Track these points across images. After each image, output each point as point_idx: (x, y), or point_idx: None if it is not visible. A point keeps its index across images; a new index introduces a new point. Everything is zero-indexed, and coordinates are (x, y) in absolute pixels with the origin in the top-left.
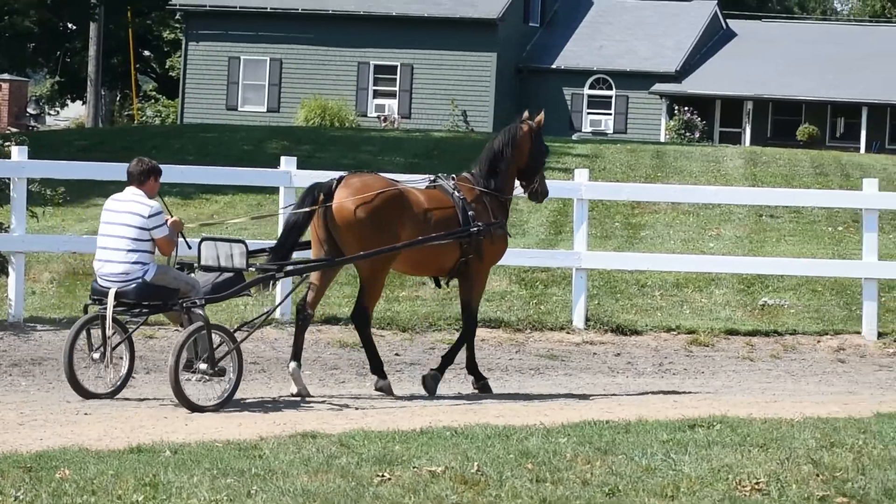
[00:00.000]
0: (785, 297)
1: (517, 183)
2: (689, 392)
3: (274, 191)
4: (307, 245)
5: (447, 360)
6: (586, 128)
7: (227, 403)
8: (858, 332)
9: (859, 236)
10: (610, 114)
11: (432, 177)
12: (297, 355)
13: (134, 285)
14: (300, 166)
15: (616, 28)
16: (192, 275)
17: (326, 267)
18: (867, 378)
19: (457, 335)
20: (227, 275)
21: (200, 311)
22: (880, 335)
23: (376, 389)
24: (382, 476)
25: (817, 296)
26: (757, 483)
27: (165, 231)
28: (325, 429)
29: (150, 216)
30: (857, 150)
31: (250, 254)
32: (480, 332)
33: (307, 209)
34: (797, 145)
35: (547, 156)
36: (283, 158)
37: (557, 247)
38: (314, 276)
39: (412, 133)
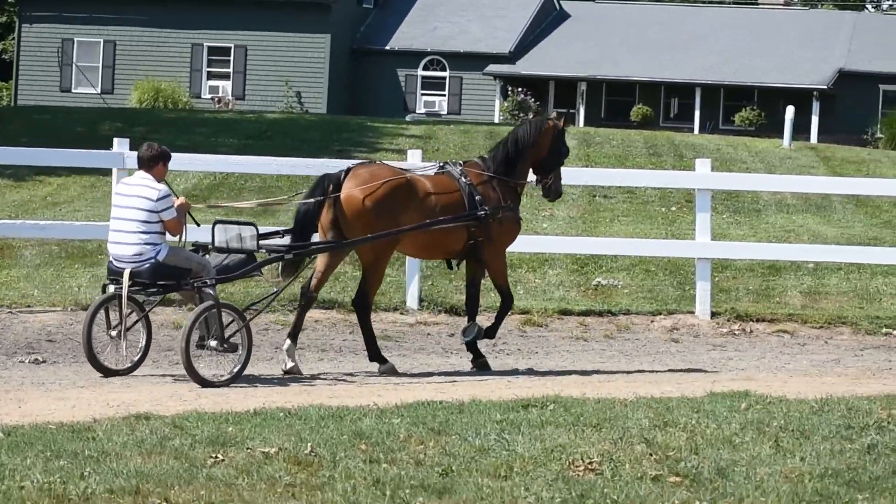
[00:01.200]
0: (618, 277)
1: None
2: (525, 372)
3: (107, 172)
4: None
5: (490, 333)
6: (420, 109)
7: (237, 379)
8: (692, 312)
9: (692, 216)
10: (444, 95)
11: (440, 163)
12: (293, 334)
13: (147, 265)
14: (133, 148)
15: (450, 9)
16: (206, 256)
17: (334, 249)
18: (700, 357)
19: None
20: (238, 256)
21: (211, 291)
22: (713, 315)
23: (380, 374)
24: (216, 457)
25: (651, 276)
26: (590, 463)
27: (174, 213)
28: (159, 410)
29: (158, 199)
30: (691, 130)
31: (261, 236)
32: (314, 314)
33: (318, 199)
34: (631, 126)
35: (566, 156)
36: (115, 140)
37: None
38: (318, 262)
39: (246, 115)
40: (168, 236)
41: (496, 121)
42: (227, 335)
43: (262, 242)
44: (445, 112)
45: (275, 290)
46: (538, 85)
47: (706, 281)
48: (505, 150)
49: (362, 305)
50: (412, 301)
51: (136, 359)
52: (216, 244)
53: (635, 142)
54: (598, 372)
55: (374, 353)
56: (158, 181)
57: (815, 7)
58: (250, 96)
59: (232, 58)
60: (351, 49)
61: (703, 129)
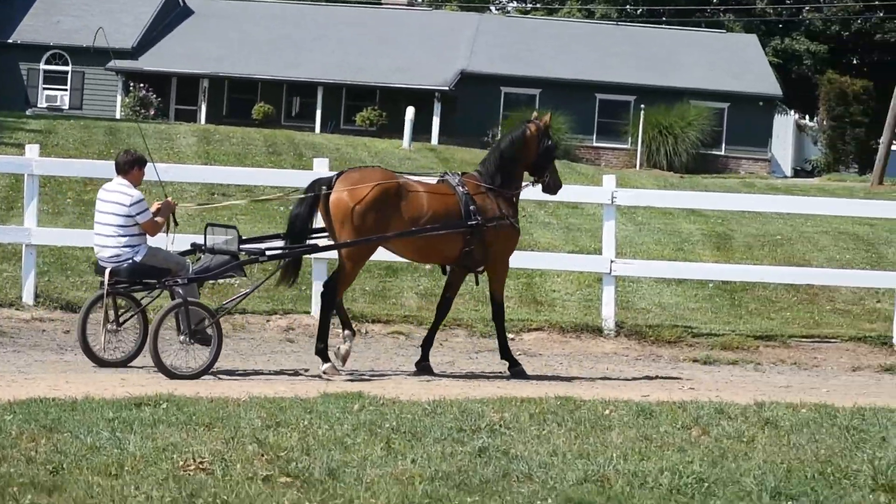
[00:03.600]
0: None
1: (529, 178)
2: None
3: None
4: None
5: (502, 348)
6: (42, 103)
7: (206, 373)
8: (307, 312)
9: None
10: (66, 89)
11: (441, 173)
12: (344, 325)
13: (126, 265)
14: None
15: (74, 3)
16: (202, 256)
17: (306, 254)
18: (315, 357)
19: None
20: (222, 258)
21: (181, 290)
22: None
23: (321, 372)
24: None
25: (267, 275)
26: (202, 462)
27: (149, 216)
28: None
29: (131, 205)
30: (313, 129)
31: (253, 240)
32: None
33: (308, 199)
34: (253, 124)
35: (555, 152)
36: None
37: (9, 223)
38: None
39: None
40: (150, 238)
41: (118, 116)
42: (197, 330)
43: (246, 247)
44: (67, 107)
45: (245, 290)
46: (161, 81)
47: (322, 280)
48: (495, 164)
49: (327, 296)
50: (28, 297)
51: (129, 351)
52: (206, 245)
53: (256, 140)
54: (215, 371)
55: (321, 348)
56: (135, 185)
57: (440, 8)
58: None
59: None
60: None
61: (324, 129)
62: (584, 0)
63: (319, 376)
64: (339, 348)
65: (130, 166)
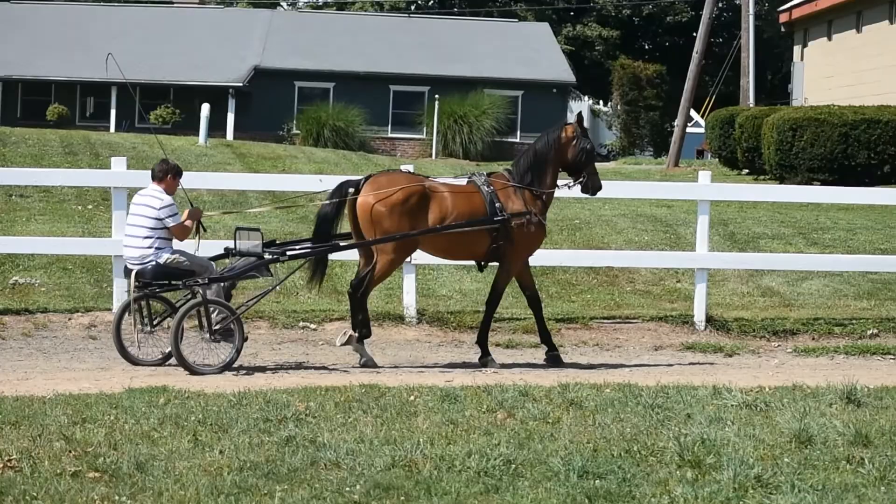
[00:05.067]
0: (36, 275)
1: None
2: None
3: None
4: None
5: (545, 338)
6: None
7: (229, 368)
8: (109, 309)
9: (109, 213)
10: None
11: (469, 174)
12: (354, 326)
13: (149, 267)
14: None
15: None
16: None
17: (328, 253)
18: (117, 354)
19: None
20: (248, 259)
21: (201, 290)
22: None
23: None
24: None
25: (68, 274)
26: (10, 460)
27: (179, 220)
28: None
29: (160, 208)
30: (108, 128)
31: (269, 244)
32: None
33: (335, 202)
34: (48, 125)
35: (594, 153)
36: None
37: None
38: (361, 262)
39: None
40: (176, 242)
41: None
42: (219, 328)
43: (272, 249)
44: None
45: (267, 289)
46: None
47: (122, 278)
48: (526, 161)
49: (358, 289)
50: None
51: (166, 351)
52: (236, 248)
53: (51, 141)
54: (15, 370)
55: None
56: (169, 193)
57: (231, 5)
58: None
59: None
60: None
61: (119, 128)
62: None
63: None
64: (336, 339)
65: (165, 174)
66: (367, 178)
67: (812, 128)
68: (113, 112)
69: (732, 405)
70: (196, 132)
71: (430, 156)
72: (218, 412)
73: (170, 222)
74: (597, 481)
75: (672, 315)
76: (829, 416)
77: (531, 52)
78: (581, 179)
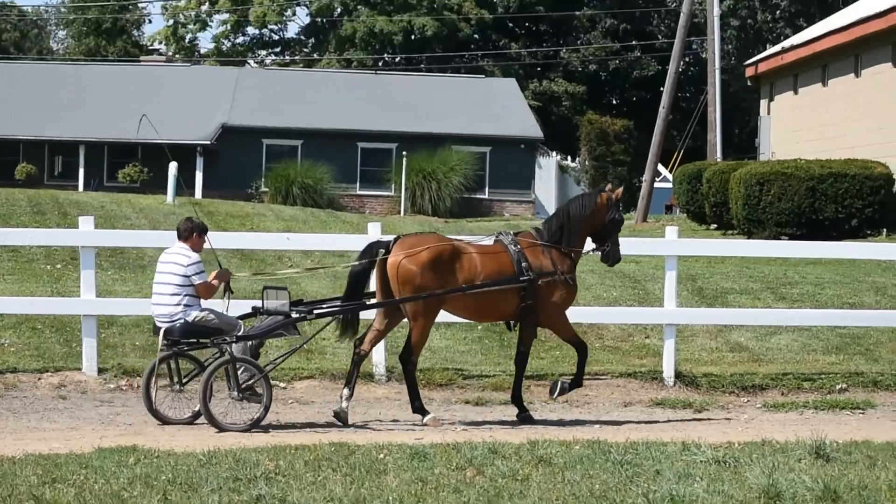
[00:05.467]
0: (5, 335)
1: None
2: None
3: None
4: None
5: (515, 395)
6: None
7: (257, 426)
8: (79, 369)
9: (78, 273)
10: None
11: (496, 234)
12: (348, 383)
13: (178, 325)
14: None
15: None
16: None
17: (354, 311)
18: (88, 413)
19: None
20: (277, 318)
21: (229, 348)
22: (101, 371)
23: (423, 424)
24: None
25: (37, 333)
26: None
27: (204, 278)
28: None
29: (188, 265)
30: (76, 187)
31: (297, 303)
32: None
33: (365, 262)
34: (16, 184)
35: (620, 224)
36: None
37: None
38: (376, 321)
39: None
40: (204, 300)
41: None
42: (247, 386)
43: (300, 308)
44: None
45: (293, 347)
46: None
47: (92, 337)
48: (559, 222)
49: (407, 360)
50: None
51: (195, 409)
52: (263, 307)
53: (19, 200)
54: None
55: (418, 405)
56: (195, 251)
57: (198, 63)
58: None
59: None
60: None
61: (87, 187)
62: (342, 50)
63: (424, 425)
64: (340, 408)
65: (190, 233)
66: (396, 239)
67: (779, 182)
68: (81, 171)
69: (701, 461)
70: (164, 190)
71: (399, 212)
72: (188, 471)
73: (196, 280)
74: None
75: (641, 371)
76: (798, 472)
77: (498, 108)
78: (605, 248)
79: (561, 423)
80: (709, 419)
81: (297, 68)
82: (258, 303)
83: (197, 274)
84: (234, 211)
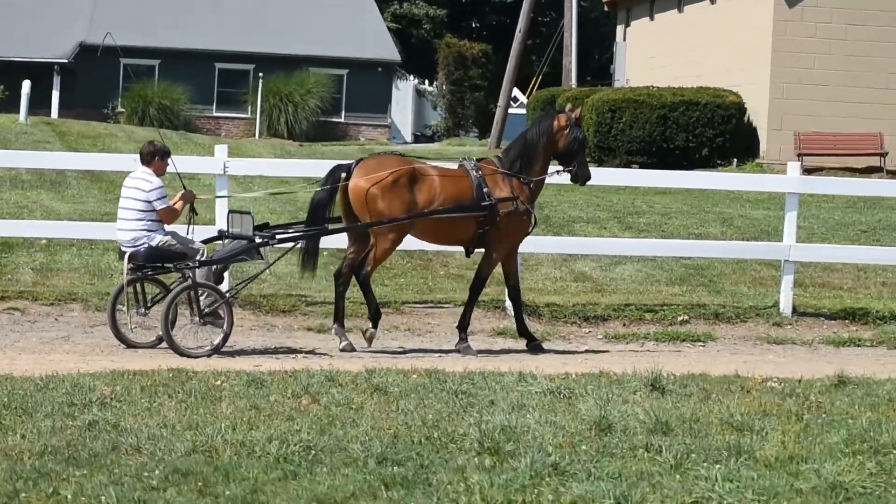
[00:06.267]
0: None
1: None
2: None
3: None
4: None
5: (462, 323)
6: None
7: (217, 351)
8: None
9: None
10: None
11: (460, 159)
12: (337, 316)
13: (142, 249)
14: None
15: None
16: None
17: (316, 236)
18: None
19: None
20: (240, 242)
21: (190, 273)
22: None
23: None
24: None
25: None
26: None
27: (166, 203)
28: None
29: (149, 191)
30: None
31: (262, 227)
32: None
33: (328, 188)
34: None
35: (585, 144)
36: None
37: None
38: (349, 246)
39: None
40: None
41: None
42: (209, 311)
43: (262, 233)
44: None
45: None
46: None
47: None
48: (517, 149)
49: (358, 274)
50: None
51: (161, 333)
52: (229, 231)
53: None
54: None
55: (338, 316)
56: (158, 175)
57: None
58: None
59: None
60: None
61: None
62: None
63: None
64: (341, 339)
65: (152, 157)
66: (357, 162)
67: (631, 109)
68: None
69: (537, 392)
70: (19, 110)
71: (255, 135)
72: (24, 396)
73: (158, 205)
74: (395, 468)
75: (484, 300)
76: (632, 404)
77: (357, 30)
78: (571, 168)
79: (402, 351)
80: (549, 350)
81: None
82: (224, 227)
83: (159, 199)
84: (87, 131)
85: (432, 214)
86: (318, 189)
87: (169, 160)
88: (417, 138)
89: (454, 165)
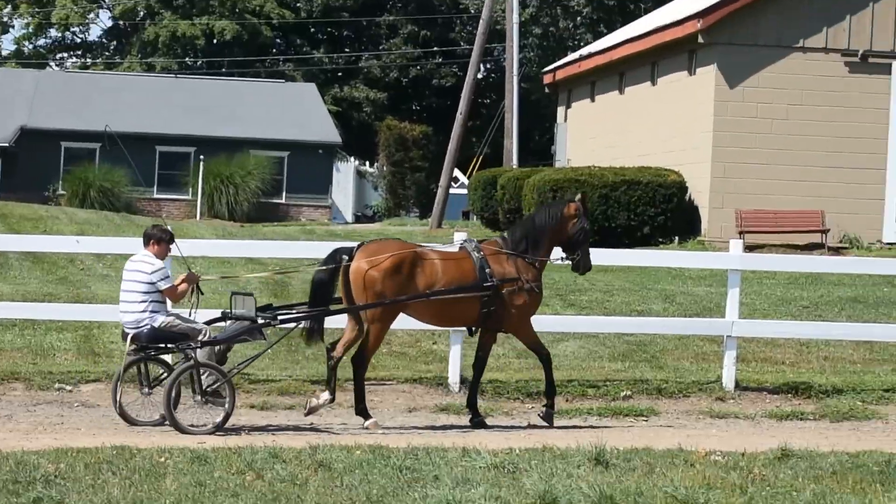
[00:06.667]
0: None
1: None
2: None
3: None
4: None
5: (548, 393)
6: None
7: (220, 429)
8: None
9: None
10: None
11: (461, 241)
12: (328, 385)
13: (145, 330)
14: None
15: None
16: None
17: (318, 317)
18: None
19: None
20: (243, 323)
21: (193, 353)
22: None
23: (364, 427)
24: None
25: None
26: None
27: (170, 283)
28: None
29: (151, 272)
30: None
31: (264, 308)
32: None
33: (329, 268)
34: None
35: (589, 234)
36: None
37: None
38: (347, 326)
39: None
40: (172, 306)
41: None
42: (211, 390)
43: (265, 314)
44: None
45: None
46: None
47: None
48: (524, 230)
49: (358, 363)
50: None
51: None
52: (232, 313)
53: None
54: None
55: (361, 408)
56: (160, 258)
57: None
58: None
59: None
60: None
61: None
62: (144, 54)
63: (365, 428)
64: (310, 400)
65: (152, 240)
66: (359, 246)
67: (573, 189)
68: None
69: (481, 466)
70: None
71: (195, 217)
72: None
73: (162, 285)
74: None
75: (427, 377)
76: (577, 478)
77: (298, 113)
78: (575, 257)
79: (345, 428)
80: (492, 426)
81: (98, 70)
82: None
83: (162, 280)
84: (28, 213)
85: (432, 296)
86: (319, 270)
87: (174, 244)
88: (358, 219)
89: (455, 248)
